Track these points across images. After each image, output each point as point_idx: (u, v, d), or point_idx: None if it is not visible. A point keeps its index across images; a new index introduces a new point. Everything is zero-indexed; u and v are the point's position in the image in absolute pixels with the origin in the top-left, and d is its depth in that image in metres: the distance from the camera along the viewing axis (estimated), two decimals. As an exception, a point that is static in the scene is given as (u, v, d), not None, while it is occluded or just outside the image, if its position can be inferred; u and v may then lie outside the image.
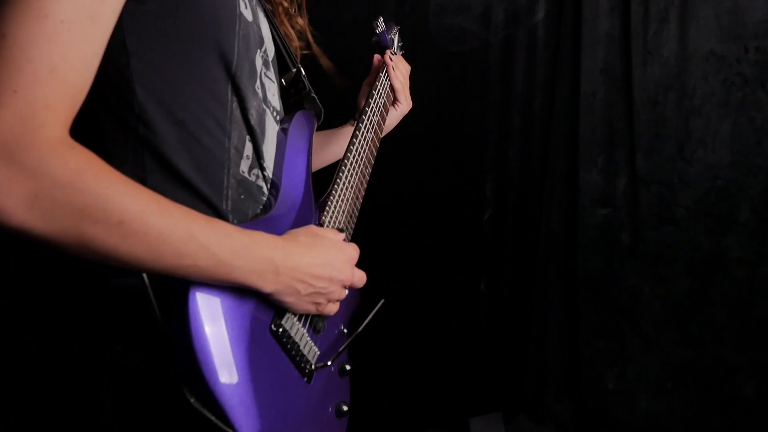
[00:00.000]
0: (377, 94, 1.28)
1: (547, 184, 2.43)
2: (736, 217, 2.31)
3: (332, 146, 1.38)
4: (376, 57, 1.38)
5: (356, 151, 1.13)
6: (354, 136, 1.15)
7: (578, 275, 2.44)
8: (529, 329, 2.52)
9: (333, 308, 0.93)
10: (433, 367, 2.48)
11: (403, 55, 1.47)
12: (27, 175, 0.64)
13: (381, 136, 1.27)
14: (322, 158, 1.38)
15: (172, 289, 0.75)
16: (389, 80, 1.34)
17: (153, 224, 0.70)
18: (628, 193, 2.38)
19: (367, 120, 1.20)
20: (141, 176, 0.81)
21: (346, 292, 0.95)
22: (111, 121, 0.82)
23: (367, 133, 1.19)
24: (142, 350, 0.80)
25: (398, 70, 1.37)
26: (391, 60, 1.35)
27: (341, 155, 1.34)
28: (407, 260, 2.42)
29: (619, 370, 2.47)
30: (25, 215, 0.64)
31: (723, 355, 2.36)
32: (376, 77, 1.31)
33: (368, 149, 1.18)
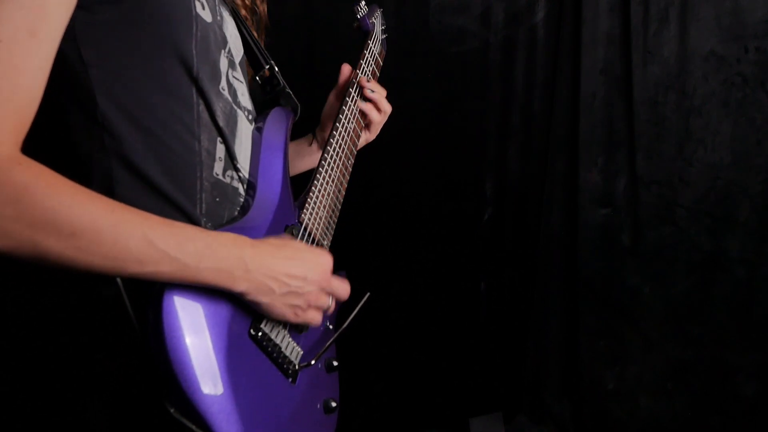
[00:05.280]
0: (348, 111, 1.19)
1: (547, 184, 2.43)
2: (736, 217, 2.31)
3: (296, 161, 1.31)
4: (345, 68, 1.27)
5: (336, 143, 1.10)
6: (334, 127, 1.12)
7: (578, 275, 2.43)
8: (528, 329, 2.52)
9: (314, 316, 0.90)
10: (433, 367, 2.48)
11: (386, 38, 1.43)
12: None
13: (362, 125, 1.22)
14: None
15: (148, 297, 0.74)
16: (358, 107, 1.22)
17: (107, 234, 0.70)
18: (628, 193, 2.38)
19: (348, 110, 1.17)
20: (109, 187, 0.81)
21: (330, 300, 0.92)
22: (76, 134, 0.81)
23: (348, 123, 1.16)
24: (123, 361, 0.79)
25: (380, 104, 1.24)
26: (373, 92, 1.22)
27: (306, 168, 1.29)
28: (407, 260, 2.41)
29: (619, 370, 2.47)
30: None
31: (723, 355, 2.36)
32: (344, 100, 1.20)
33: (350, 140, 1.15)
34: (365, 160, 2.31)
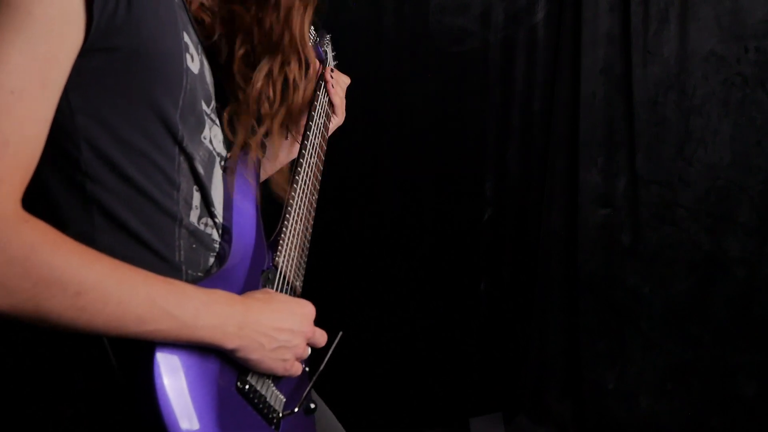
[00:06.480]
0: (317, 116, 1.21)
1: (547, 184, 2.43)
2: (736, 217, 2.31)
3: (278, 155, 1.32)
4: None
5: (302, 181, 1.10)
6: (298, 163, 1.11)
7: (578, 275, 2.43)
8: (529, 329, 2.52)
9: (300, 367, 0.92)
10: (433, 367, 2.48)
11: (337, 65, 1.40)
12: None
13: (323, 158, 1.22)
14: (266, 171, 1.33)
15: (135, 353, 0.73)
16: (327, 97, 1.26)
17: (112, 294, 0.69)
18: (628, 193, 2.38)
19: (310, 145, 1.16)
20: (89, 234, 0.79)
21: (309, 350, 0.94)
22: (57, 180, 0.79)
23: (311, 158, 1.15)
24: (98, 417, 0.77)
25: (338, 86, 1.29)
26: (332, 77, 1.27)
27: (287, 161, 1.28)
28: (407, 260, 2.42)
29: (619, 370, 2.47)
30: None
31: (723, 355, 2.36)
32: (314, 96, 1.23)
33: (313, 176, 1.15)
34: (366, 159, 2.31)
